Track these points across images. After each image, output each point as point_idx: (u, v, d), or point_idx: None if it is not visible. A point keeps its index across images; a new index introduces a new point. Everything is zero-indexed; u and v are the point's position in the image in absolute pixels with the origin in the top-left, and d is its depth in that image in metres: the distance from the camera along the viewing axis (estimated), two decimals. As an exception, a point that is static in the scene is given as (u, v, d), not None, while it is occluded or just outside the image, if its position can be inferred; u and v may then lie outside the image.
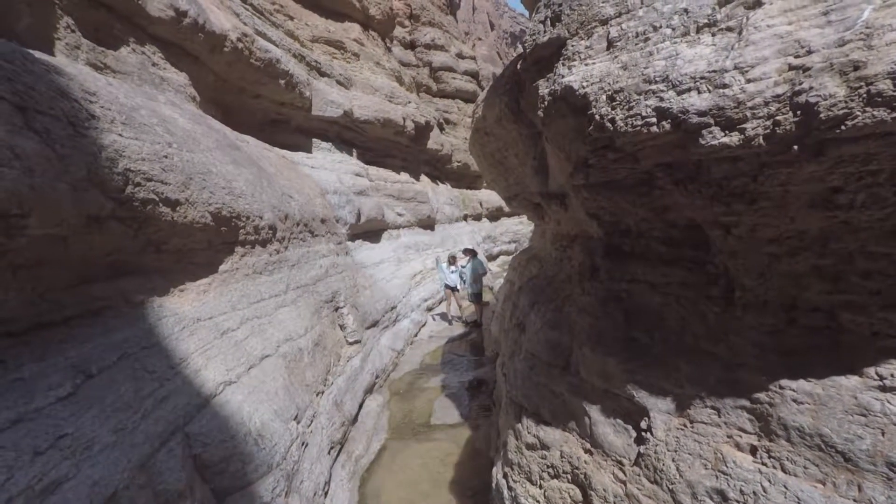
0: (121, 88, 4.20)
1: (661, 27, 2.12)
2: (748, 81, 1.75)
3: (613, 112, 2.16)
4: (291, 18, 11.14)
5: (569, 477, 3.09)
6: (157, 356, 3.27)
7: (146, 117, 3.93)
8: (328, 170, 10.07)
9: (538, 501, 3.26)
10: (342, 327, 6.88)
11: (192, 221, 4.00)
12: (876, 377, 1.94)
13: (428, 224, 15.53)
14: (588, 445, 3.05)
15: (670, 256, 2.80)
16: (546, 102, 2.61)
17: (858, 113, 1.53)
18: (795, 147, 1.73)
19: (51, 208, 2.63)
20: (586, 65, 2.39)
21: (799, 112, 1.65)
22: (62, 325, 2.89)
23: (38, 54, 3.32)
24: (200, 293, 4.18)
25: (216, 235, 4.51)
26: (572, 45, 2.51)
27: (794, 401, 2.12)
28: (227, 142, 5.81)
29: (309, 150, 10.47)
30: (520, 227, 22.78)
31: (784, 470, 2.08)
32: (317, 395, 5.05)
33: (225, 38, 6.86)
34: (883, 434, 1.85)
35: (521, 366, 4.02)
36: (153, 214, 3.55)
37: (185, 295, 4.01)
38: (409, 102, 14.72)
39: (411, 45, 22.29)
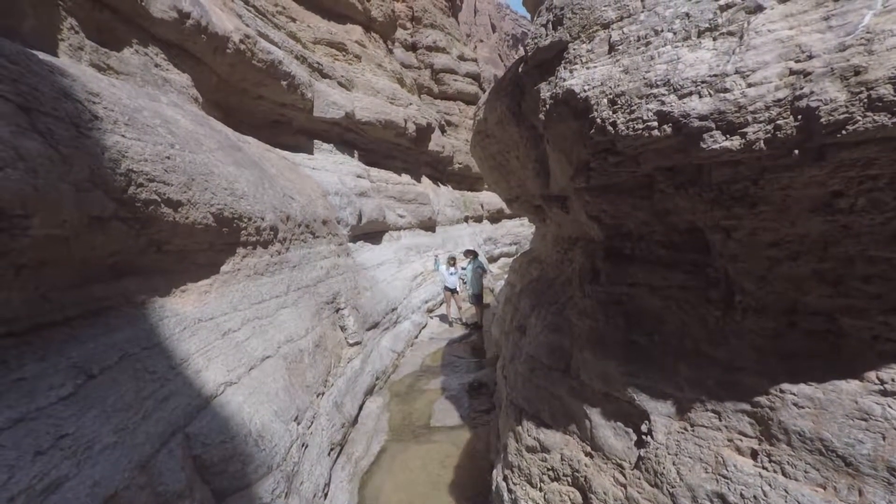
0: (124, 89, 4.21)
1: (662, 31, 2.12)
2: (749, 86, 1.76)
3: (615, 116, 2.17)
4: (293, 20, 11.17)
5: (569, 480, 3.09)
6: (158, 356, 3.27)
7: (149, 118, 3.94)
8: (329, 171, 10.09)
9: (538, 504, 3.26)
10: (343, 329, 6.88)
11: (193, 222, 4.01)
12: (877, 381, 1.94)
13: (429, 226, 15.54)
14: (588, 448, 3.05)
15: (671, 260, 2.80)
16: (547, 105, 2.62)
17: (859, 118, 1.54)
18: (796, 151, 1.74)
19: (54, 209, 2.63)
20: (588, 68, 2.39)
21: (800, 116, 1.66)
22: (64, 325, 2.90)
23: (41, 55, 3.33)
24: (202, 294, 4.19)
25: (218, 236, 4.52)
26: (574, 49, 2.52)
27: (795, 405, 2.12)
28: (228, 143, 5.83)
29: (310, 152, 10.49)
30: (521, 230, 22.80)
31: (784, 474, 2.08)
32: (317, 396, 5.05)
33: (227, 39, 6.89)
34: (884, 439, 1.85)
35: (522, 368, 4.02)
36: (155, 215, 3.56)
37: (186, 295, 4.01)
38: (411, 104, 14.74)
39: (413, 47, 22.34)
